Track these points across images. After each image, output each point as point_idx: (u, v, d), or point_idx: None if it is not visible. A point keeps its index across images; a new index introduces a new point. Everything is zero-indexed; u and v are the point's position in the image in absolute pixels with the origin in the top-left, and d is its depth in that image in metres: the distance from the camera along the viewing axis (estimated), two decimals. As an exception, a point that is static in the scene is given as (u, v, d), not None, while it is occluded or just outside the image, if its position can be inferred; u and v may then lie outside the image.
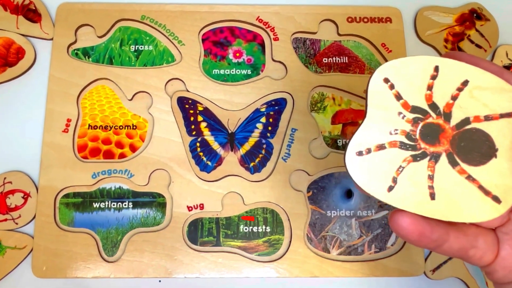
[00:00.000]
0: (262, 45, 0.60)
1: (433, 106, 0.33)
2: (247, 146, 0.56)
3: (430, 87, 0.33)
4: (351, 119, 0.57)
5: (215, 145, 0.56)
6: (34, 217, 0.54)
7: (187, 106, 0.57)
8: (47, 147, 0.55)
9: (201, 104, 0.57)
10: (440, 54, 0.61)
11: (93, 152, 0.56)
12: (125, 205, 0.54)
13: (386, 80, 0.33)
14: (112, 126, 0.56)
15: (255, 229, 0.54)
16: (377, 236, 0.54)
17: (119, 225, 0.53)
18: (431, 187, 0.32)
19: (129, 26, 0.60)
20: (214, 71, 0.59)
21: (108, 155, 0.56)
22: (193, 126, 0.57)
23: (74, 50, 0.59)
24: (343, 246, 0.54)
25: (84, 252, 0.52)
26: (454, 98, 0.33)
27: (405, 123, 0.33)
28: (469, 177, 0.32)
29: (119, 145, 0.56)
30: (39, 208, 0.53)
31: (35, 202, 0.54)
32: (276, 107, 0.58)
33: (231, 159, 0.56)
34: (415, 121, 0.33)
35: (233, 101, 0.57)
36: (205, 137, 0.56)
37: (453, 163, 0.32)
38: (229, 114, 0.57)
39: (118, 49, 0.59)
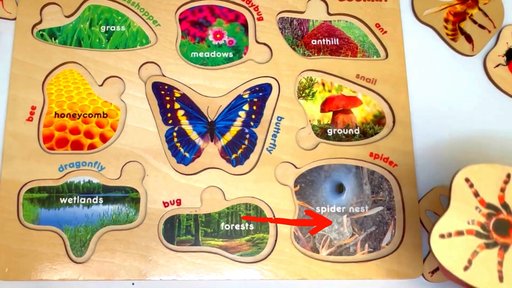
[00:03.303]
0: (245, 25, 0.59)
1: (505, 206, 0.42)
2: (228, 136, 0.55)
3: (503, 190, 0.42)
4: (342, 107, 0.56)
5: (194, 135, 0.55)
6: (-5, 214, 0.53)
7: (162, 92, 0.56)
8: (10, 137, 0.54)
9: (178, 90, 0.56)
10: (440, 36, 0.59)
11: (60, 142, 0.54)
12: (95, 200, 0.53)
13: (467, 180, 0.42)
14: (81, 114, 0.55)
15: (237, 227, 0.52)
16: (371, 234, 0.53)
17: (89, 223, 0.52)
18: (500, 271, 0.40)
19: (99, 5, 0.59)
20: (193, 54, 0.57)
21: (77, 146, 0.54)
22: (169, 114, 0.55)
23: (39, 31, 0.57)
24: (334, 245, 0.52)
25: (50, 252, 0.51)
26: None
27: (481, 216, 0.42)
28: None
29: (89, 135, 0.54)
30: (0, 204, 0.52)
31: (-4, 197, 0.53)
32: (260, 94, 0.56)
33: (211, 150, 0.54)
34: (489, 216, 0.42)
35: (213, 87, 0.56)
36: (183, 126, 0.55)
37: None
38: (209, 101, 0.56)
39: (87, 30, 0.58)
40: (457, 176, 0.42)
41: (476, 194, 0.42)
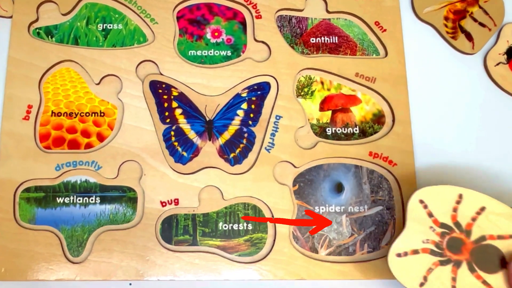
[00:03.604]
0: (243, 23, 0.58)
1: (457, 224, 0.46)
2: (226, 135, 0.54)
3: (455, 210, 0.46)
4: (341, 105, 0.56)
5: (191, 134, 0.54)
6: (-9, 214, 0.52)
7: (160, 91, 0.55)
8: (6, 136, 0.53)
9: (175, 88, 0.55)
10: (440, 34, 0.59)
11: (57, 141, 0.54)
12: (92, 200, 0.52)
13: (421, 201, 0.46)
14: (78, 113, 0.55)
15: (235, 226, 0.52)
16: (370, 234, 0.52)
17: (86, 222, 0.51)
18: (454, 287, 0.44)
19: (96, 3, 0.58)
20: (190, 52, 0.57)
21: (73, 145, 0.54)
22: (167, 113, 0.55)
23: (36, 29, 0.57)
24: (333, 245, 0.52)
25: (47, 252, 0.50)
26: (474, 219, 0.46)
27: (435, 235, 0.46)
28: (484, 282, 0.44)
29: (86, 134, 0.54)
30: (-4, 203, 0.52)
31: (-8, 197, 0.52)
32: (259, 92, 0.56)
33: (209, 150, 0.54)
34: (442, 234, 0.46)
35: (211, 86, 0.56)
36: (180, 125, 0.54)
37: (472, 270, 0.44)
38: (207, 100, 0.55)
39: (84, 28, 0.57)
40: (412, 198, 0.46)
41: (430, 215, 0.46)
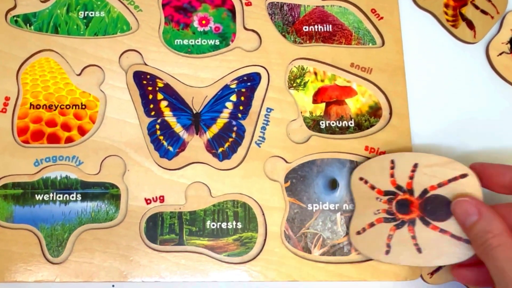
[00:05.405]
0: (232, 11, 0.58)
1: (399, 187, 0.48)
2: (214, 129, 0.54)
3: (392, 175, 0.49)
4: (335, 97, 0.55)
5: (178, 128, 0.54)
6: (-34, 212, 0.52)
7: (145, 82, 0.54)
8: None
9: (161, 79, 0.55)
10: (440, 23, 0.59)
11: (36, 135, 0.53)
12: (72, 197, 0.51)
13: (361, 178, 0.50)
14: (58, 105, 0.54)
15: (224, 225, 0.51)
16: None
17: (66, 221, 0.51)
18: (416, 244, 0.46)
19: None
20: (177, 42, 0.56)
21: (53, 139, 0.53)
22: (151, 106, 0.54)
23: (13, 16, 0.56)
24: (327, 245, 0.51)
25: (25, 252, 0.50)
26: (411, 177, 0.48)
27: (383, 204, 0.48)
28: (442, 230, 0.46)
29: (66, 127, 0.53)
30: (-28, 201, 0.52)
31: (-33, 194, 0.53)
32: (249, 83, 0.55)
33: (196, 144, 0.53)
34: (389, 201, 0.48)
35: (198, 76, 0.55)
36: (166, 118, 0.54)
37: (426, 223, 0.47)
38: (194, 92, 0.54)
39: (65, 15, 0.57)
40: (352, 179, 0.50)
41: (373, 187, 0.49)
